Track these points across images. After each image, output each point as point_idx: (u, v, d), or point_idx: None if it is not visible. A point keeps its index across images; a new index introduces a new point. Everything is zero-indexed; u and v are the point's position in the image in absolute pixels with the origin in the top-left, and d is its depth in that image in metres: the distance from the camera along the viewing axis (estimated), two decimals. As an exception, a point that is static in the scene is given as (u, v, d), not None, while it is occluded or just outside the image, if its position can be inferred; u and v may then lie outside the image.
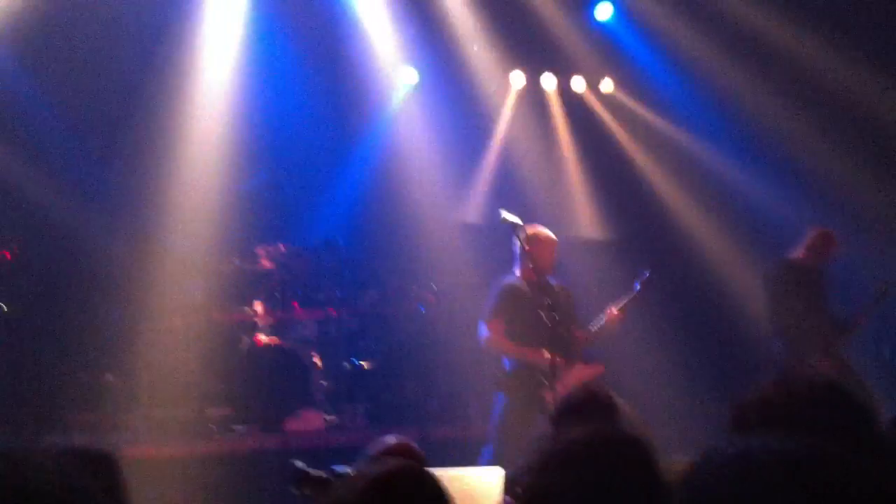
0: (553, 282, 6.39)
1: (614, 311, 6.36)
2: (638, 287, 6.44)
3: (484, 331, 6.33)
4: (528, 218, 6.44)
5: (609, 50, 10.27)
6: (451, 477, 4.20)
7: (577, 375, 6.06)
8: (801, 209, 9.08)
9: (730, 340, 9.02)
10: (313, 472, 3.17)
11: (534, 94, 10.48)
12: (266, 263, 8.92)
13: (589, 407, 3.50)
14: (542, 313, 5.90)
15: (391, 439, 3.59)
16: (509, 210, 6.20)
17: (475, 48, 9.87)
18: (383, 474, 2.07)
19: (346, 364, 8.50)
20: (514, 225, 6.10)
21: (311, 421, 8.08)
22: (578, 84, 10.50)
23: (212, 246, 8.80)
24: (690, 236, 9.98)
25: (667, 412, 7.41)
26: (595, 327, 6.39)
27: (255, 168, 9.61)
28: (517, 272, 6.41)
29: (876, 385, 6.77)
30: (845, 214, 9.15)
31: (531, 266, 6.17)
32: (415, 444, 3.61)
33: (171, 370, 8.18)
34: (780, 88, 9.38)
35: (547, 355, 5.89)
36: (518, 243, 6.26)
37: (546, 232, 6.42)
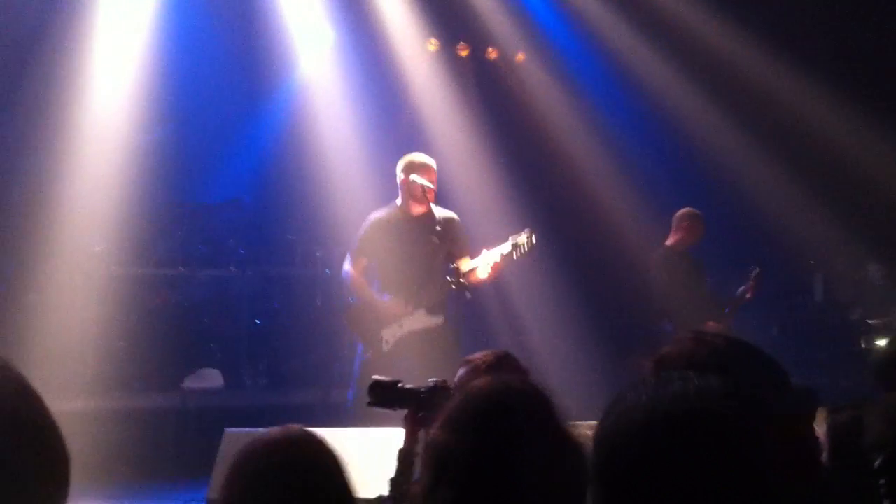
0: (438, 213, 6.08)
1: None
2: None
3: (345, 265, 6.19)
4: (439, 184, 6.34)
5: (525, 25, 10.34)
6: (350, 436, 4.27)
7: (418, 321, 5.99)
8: (695, 190, 9.34)
9: (626, 311, 9.15)
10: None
11: (448, 62, 10.49)
12: (169, 219, 8.76)
13: None
14: (406, 249, 5.92)
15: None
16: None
17: (393, 14, 9.82)
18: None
19: (247, 324, 8.41)
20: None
21: (210, 380, 8.01)
22: (492, 55, 10.56)
23: (113, 199, 8.59)
24: (591, 206, 10.15)
25: (564, 380, 7.54)
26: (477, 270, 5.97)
27: (159, 122, 9.37)
28: (396, 203, 6.17)
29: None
30: (739, 197, 9.47)
31: (408, 197, 6.05)
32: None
33: (69, 326, 8.00)
34: (689, 73, 9.59)
35: (392, 305, 5.93)
36: (396, 173, 6.12)
37: (422, 158, 6.15)
